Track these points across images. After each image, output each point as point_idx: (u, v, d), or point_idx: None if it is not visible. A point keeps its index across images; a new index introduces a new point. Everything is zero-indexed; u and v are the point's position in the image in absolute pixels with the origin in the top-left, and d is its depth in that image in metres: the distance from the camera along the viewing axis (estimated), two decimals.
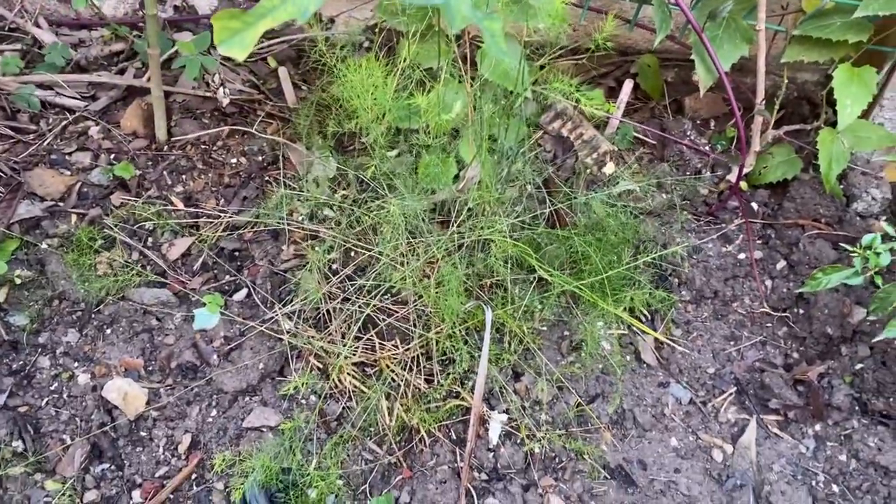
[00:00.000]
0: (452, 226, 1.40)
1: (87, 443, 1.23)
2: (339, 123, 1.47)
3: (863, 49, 1.44)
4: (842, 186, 1.67)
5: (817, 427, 1.43)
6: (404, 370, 1.32)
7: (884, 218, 1.65)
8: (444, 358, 1.34)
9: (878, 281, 1.26)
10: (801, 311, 1.53)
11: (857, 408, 1.44)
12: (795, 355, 1.50)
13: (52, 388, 1.28)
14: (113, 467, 1.23)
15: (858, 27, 1.39)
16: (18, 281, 1.35)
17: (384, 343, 1.34)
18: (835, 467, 1.39)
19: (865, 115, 1.62)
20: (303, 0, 0.65)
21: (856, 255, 1.27)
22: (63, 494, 1.18)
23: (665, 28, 1.42)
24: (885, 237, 1.27)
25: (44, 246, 1.41)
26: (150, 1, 1.33)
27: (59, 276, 1.37)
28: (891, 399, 1.43)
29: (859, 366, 1.47)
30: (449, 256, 1.40)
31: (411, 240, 1.39)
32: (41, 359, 1.30)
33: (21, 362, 1.30)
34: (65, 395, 1.27)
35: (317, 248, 1.43)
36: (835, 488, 1.37)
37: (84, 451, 1.22)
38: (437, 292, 1.30)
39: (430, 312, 1.33)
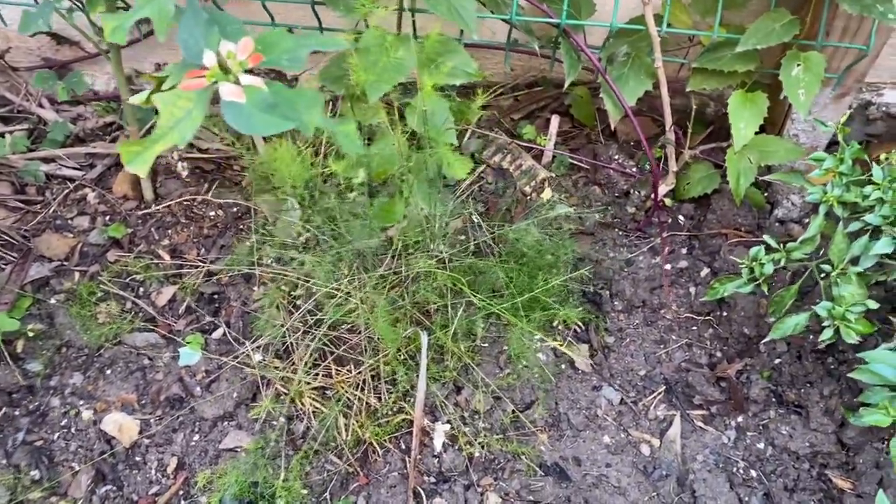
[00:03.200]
0: (400, 259, 1.60)
1: (91, 468, 1.46)
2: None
3: (756, 75, 1.60)
4: (766, 194, 1.82)
5: (739, 419, 1.59)
6: (358, 391, 1.52)
7: (807, 221, 1.79)
8: (392, 378, 1.53)
9: (765, 288, 1.42)
10: (725, 314, 1.69)
11: (773, 399, 1.59)
12: (719, 354, 1.65)
13: (62, 423, 1.51)
14: (114, 488, 1.46)
15: (745, 58, 1.54)
16: (31, 334, 1.59)
17: (340, 369, 1.54)
18: (753, 454, 1.54)
19: (780, 130, 1.76)
20: (181, 131, 0.86)
21: (743, 265, 1.43)
22: None
23: (573, 72, 1.60)
24: (769, 248, 1.42)
25: (52, 301, 1.65)
26: (125, 91, 1.56)
27: (65, 327, 1.61)
28: (801, 390, 1.58)
29: (777, 361, 1.62)
30: (398, 287, 1.60)
31: (363, 274, 1.59)
32: (52, 399, 1.54)
33: (36, 403, 1.54)
34: (73, 429, 1.51)
35: (282, 288, 1.64)
36: (753, 473, 1.52)
37: (90, 475, 1.45)
38: (384, 321, 1.49)
39: (378, 339, 1.53)
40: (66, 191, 1.80)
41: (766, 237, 1.42)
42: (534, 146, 1.84)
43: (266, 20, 1.69)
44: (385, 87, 1.38)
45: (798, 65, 1.49)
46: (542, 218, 1.68)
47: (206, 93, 0.86)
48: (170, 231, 1.75)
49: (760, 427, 1.57)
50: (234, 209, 1.78)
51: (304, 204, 1.74)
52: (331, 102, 1.89)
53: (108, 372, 1.58)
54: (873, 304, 1.31)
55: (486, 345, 1.62)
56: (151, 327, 1.62)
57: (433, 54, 1.42)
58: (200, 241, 1.74)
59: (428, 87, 1.23)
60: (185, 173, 1.74)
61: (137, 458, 1.48)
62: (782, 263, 1.39)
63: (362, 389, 1.53)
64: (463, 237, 1.72)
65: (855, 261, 1.34)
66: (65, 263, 1.71)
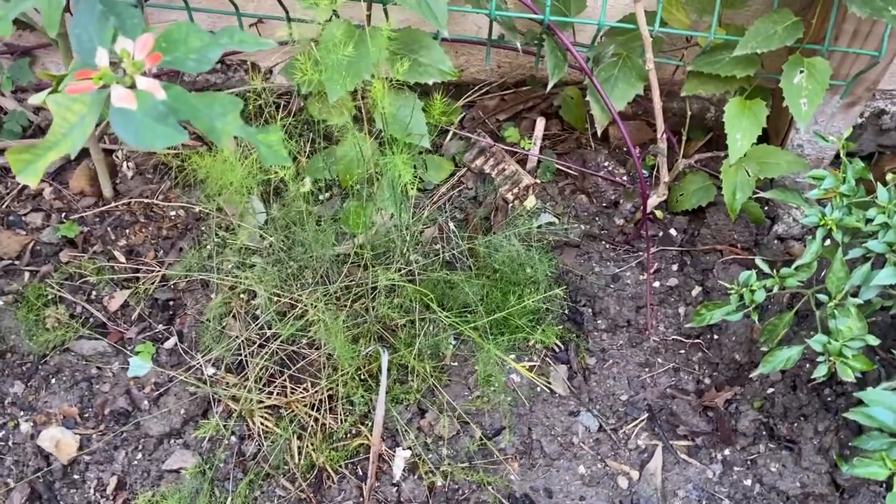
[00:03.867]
0: (366, 270, 1.49)
1: (26, 486, 1.37)
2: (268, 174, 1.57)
3: (756, 81, 1.47)
4: (765, 208, 1.69)
5: (726, 452, 1.47)
6: (314, 411, 1.42)
7: (810, 238, 1.66)
8: (350, 399, 1.43)
9: (755, 317, 1.29)
10: (715, 338, 1.56)
11: (764, 433, 1.47)
12: (707, 381, 1.54)
13: None
14: None
15: (746, 62, 1.42)
16: None
17: (295, 387, 1.44)
18: (739, 492, 1.43)
19: (783, 140, 1.63)
20: (74, 139, 0.75)
21: (732, 291, 1.31)
22: None
23: (558, 72, 1.47)
24: (761, 273, 1.30)
25: None
26: None
27: (10, 332, 1.51)
28: (795, 424, 1.46)
29: (770, 390, 1.50)
30: (362, 300, 1.49)
31: (326, 285, 1.49)
32: None
33: None
34: (10, 443, 1.41)
35: (241, 296, 1.53)
36: None
37: (24, 493, 1.36)
38: (342, 337, 1.39)
39: (338, 356, 1.42)
40: (21, 185, 1.70)
41: (758, 260, 1.30)
42: (518, 150, 1.72)
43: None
44: (339, 85, 1.26)
45: (801, 71, 1.36)
46: (523, 228, 1.56)
47: (99, 97, 0.75)
48: (127, 231, 1.65)
49: (748, 462, 1.45)
50: (197, 209, 1.67)
51: (269, 205, 1.63)
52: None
53: (53, 381, 1.48)
54: (873, 340, 1.19)
55: (456, 364, 1.51)
56: (101, 335, 1.52)
57: (399, 49, 1.31)
58: (159, 242, 1.64)
59: (378, 87, 1.11)
60: (130, 174, 1.63)
61: (76, 477, 1.39)
62: (775, 290, 1.27)
63: (318, 410, 1.42)
64: (438, 247, 1.61)
65: (856, 291, 1.22)
66: (15, 262, 1.61)
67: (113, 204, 1.67)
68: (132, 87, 0.73)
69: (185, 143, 1.69)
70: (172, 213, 1.67)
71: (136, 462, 1.40)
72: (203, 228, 1.65)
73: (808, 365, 1.49)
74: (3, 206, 1.67)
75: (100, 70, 0.71)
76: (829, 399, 1.47)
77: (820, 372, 1.21)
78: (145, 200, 1.67)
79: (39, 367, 1.49)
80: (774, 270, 1.28)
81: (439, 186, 1.72)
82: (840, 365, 1.19)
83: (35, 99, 0.85)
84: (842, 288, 1.21)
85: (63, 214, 1.67)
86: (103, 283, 1.58)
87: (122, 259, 1.61)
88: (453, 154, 1.75)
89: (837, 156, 1.67)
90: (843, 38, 1.40)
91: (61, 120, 0.78)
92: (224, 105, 0.77)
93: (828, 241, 1.29)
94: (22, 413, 1.45)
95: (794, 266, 1.25)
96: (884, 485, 1.38)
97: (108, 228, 1.64)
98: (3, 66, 1.68)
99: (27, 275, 1.60)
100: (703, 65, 1.45)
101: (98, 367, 1.50)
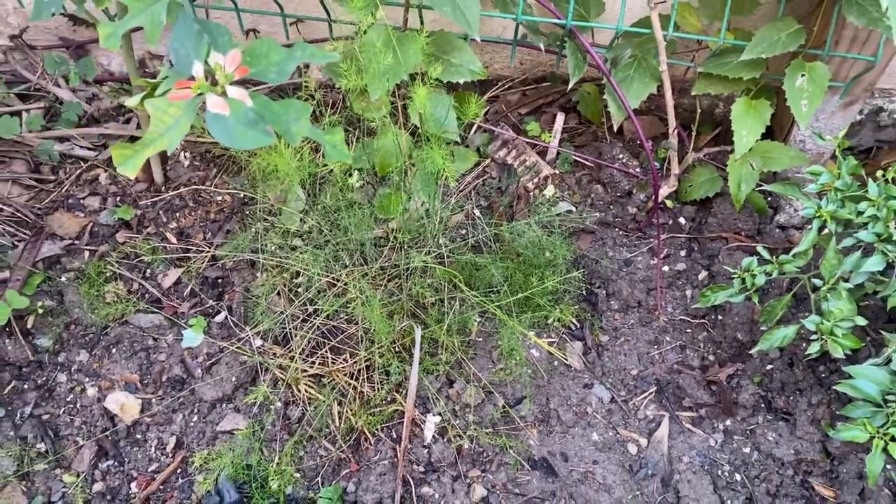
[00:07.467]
0: (399, 252, 1.63)
1: (94, 444, 1.52)
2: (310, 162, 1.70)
3: (761, 82, 1.59)
4: (769, 199, 1.81)
5: (727, 423, 1.61)
6: (352, 380, 1.56)
7: (809, 228, 1.79)
8: (385, 369, 1.57)
9: (755, 299, 1.43)
10: (719, 318, 1.70)
11: (762, 405, 1.61)
12: (711, 358, 1.67)
13: (68, 399, 1.57)
14: (116, 463, 1.51)
15: (752, 65, 1.54)
16: (42, 310, 1.65)
17: (336, 358, 1.58)
18: (738, 458, 1.57)
19: (786, 135, 1.76)
20: (171, 138, 0.89)
21: (735, 275, 1.44)
22: (76, 486, 1.48)
23: (579, 73, 1.60)
24: (762, 259, 1.43)
25: (63, 279, 1.70)
26: (134, 75, 1.59)
27: (74, 305, 1.66)
28: (791, 397, 1.59)
29: (769, 367, 1.63)
30: (396, 280, 1.63)
31: (363, 266, 1.63)
32: (59, 375, 1.60)
33: (45, 378, 1.59)
34: (78, 405, 1.56)
35: (284, 275, 1.68)
36: (737, 477, 1.55)
37: (92, 450, 1.51)
38: (378, 313, 1.53)
39: (374, 330, 1.56)
40: (79, 170, 1.85)
41: (759, 248, 1.43)
42: (539, 142, 1.85)
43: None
44: (381, 87, 1.40)
45: (802, 75, 1.48)
46: (543, 215, 1.70)
47: (194, 103, 0.88)
48: (178, 214, 1.79)
49: (748, 432, 1.59)
50: (241, 195, 1.81)
51: (309, 192, 1.77)
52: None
53: (114, 351, 1.63)
54: (861, 321, 1.32)
55: (481, 339, 1.65)
56: (156, 309, 1.67)
57: (433, 51, 1.43)
58: (207, 225, 1.78)
59: (420, 93, 1.24)
60: (186, 163, 1.77)
61: (138, 436, 1.54)
62: (775, 275, 1.40)
63: (357, 379, 1.57)
64: (464, 231, 1.74)
65: (847, 276, 1.35)
66: (76, 242, 1.76)
67: (164, 190, 1.81)
68: (223, 95, 0.87)
69: None
70: (219, 198, 1.81)
71: (192, 424, 1.55)
72: (247, 213, 1.79)
73: (804, 344, 1.62)
74: (63, 191, 1.82)
75: (198, 81, 0.85)
76: (822, 375, 1.61)
77: (813, 349, 1.35)
78: (194, 187, 1.81)
79: (101, 337, 1.64)
80: (775, 257, 1.41)
81: (465, 176, 1.85)
82: (831, 343, 1.32)
83: (130, 102, 0.98)
84: (834, 273, 1.33)
85: (118, 199, 1.81)
86: (157, 261, 1.72)
87: (174, 240, 1.75)
88: (478, 145, 1.88)
89: None
90: (842, 43, 1.52)
91: (158, 122, 0.91)
92: (298, 110, 0.90)
93: (824, 231, 1.41)
94: (87, 379, 1.60)
95: (791, 253, 1.38)
96: (869, 451, 1.51)
97: (160, 212, 1.79)
98: (67, 60, 1.82)
99: (87, 253, 1.74)
100: (712, 66, 1.58)
101: (154, 338, 1.64)
